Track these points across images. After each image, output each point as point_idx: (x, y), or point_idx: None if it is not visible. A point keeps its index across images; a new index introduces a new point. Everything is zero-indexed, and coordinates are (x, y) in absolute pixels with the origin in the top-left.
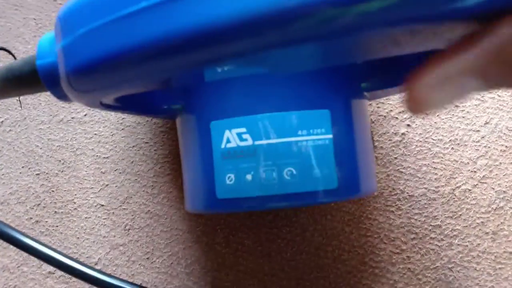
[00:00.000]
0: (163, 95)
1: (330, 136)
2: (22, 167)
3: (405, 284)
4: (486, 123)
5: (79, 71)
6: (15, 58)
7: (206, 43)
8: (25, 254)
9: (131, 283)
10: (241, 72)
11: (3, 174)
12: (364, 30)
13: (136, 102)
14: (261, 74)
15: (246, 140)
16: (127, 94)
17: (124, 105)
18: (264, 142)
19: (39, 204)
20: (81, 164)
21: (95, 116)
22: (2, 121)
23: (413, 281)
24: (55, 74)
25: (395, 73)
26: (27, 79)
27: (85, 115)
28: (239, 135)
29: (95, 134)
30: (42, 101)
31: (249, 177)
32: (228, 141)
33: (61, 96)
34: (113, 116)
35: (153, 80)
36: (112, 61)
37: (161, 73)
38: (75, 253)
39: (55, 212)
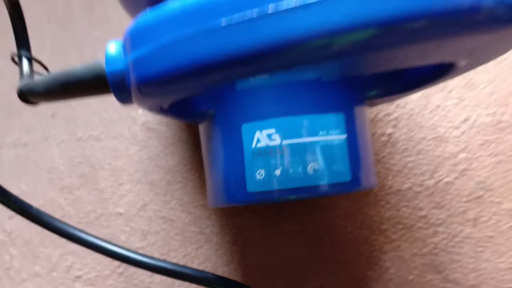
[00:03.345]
0: (202, 101)
1: (345, 136)
2: (47, 183)
3: (396, 269)
4: (466, 120)
5: (150, 81)
6: (47, 70)
7: (254, 61)
8: (54, 261)
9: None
10: (270, 82)
11: (30, 191)
12: (354, 54)
13: (180, 108)
14: (287, 83)
15: (275, 140)
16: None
17: (172, 109)
18: (291, 141)
19: (64, 215)
20: (100, 177)
21: (110, 133)
22: (26, 143)
23: (403, 267)
24: (123, 80)
25: (399, 83)
26: (92, 83)
27: (101, 132)
28: (269, 135)
29: (111, 149)
30: (61, 122)
31: (277, 172)
32: (259, 141)
33: (124, 99)
34: (126, 132)
35: (208, 88)
36: (180, 74)
37: (215, 83)
38: (98, 257)
39: (79, 222)
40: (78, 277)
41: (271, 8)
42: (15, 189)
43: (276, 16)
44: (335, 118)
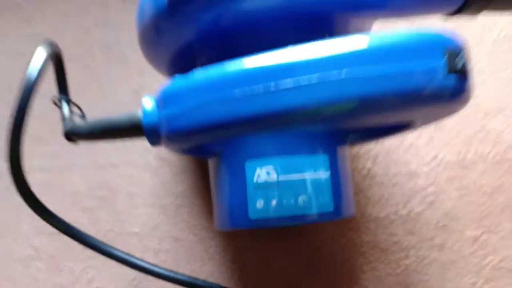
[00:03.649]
0: (214, 145)
1: (329, 173)
2: (70, 204)
3: (373, 287)
4: (434, 157)
5: (179, 134)
6: (81, 110)
7: (258, 123)
8: (77, 274)
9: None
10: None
11: (55, 211)
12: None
13: (196, 150)
14: (283, 132)
15: (272, 175)
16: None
17: (190, 151)
18: (285, 177)
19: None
20: (117, 200)
21: (126, 161)
22: (52, 168)
23: (379, 285)
24: (156, 130)
25: (372, 132)
26: (129, 130)
27: (118, 160)
28: (268, 172)
29: (127, 175)
30: (84, 151)
31: (274, 202)
32: (259, 176)
33: (154, 143)
34: (141, 160)
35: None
36: (201, 130)
37: (228, 137)
38: (116, 272)
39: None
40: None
41: (273, 86)
42: None
43: (276, 92)
44: (321, 158)
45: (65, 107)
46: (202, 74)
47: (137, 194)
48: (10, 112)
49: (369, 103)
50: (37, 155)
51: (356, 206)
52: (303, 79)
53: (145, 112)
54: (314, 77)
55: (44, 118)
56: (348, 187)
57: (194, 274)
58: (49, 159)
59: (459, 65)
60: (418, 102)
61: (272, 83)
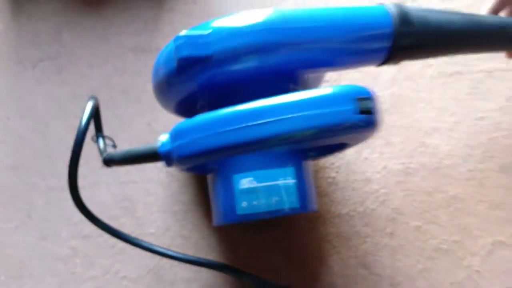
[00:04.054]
0: (211, 164)
1: (294, 180)
2: (99, 213)
3: (339, 267)
4: (385, 167)
5: (185, 158)
6: (113, 141)
7: (242, 148)
8: (106, 268)
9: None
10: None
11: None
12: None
13: (198, 168)
14: (261, 152)
15: (253, 183)
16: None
17: (193, 169)
18: (262, 184)
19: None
20: (137, 209)
21: (143, 178)
22: (83, 185)
23: (342, 266)
24: (169, 156)
25: (323, 150)
26: (150, 157)
27: (137, 177)
28: (250, 181)
29: (144, 189)
30: (109, 171)
31: (255, 202)
32: (243, 184)
33: (168, 165)
34: (155, 177)
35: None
36: (201, 155)
37: (220, 159)
38: (138, 263)
39: None
40: (124, 276)
41: (253, 122)
42: (78, 217)
43: (256, 126)
44: (289, 170)
45: (101, 142)
46: (201, 118)
47: (153, 203)
48: (66, 142)
49: (310, 132)
50: None
51: (323, 205)
52: (266, 119)
53: (162, 143)
54: (272, 118)
55: None
56: (311, 189)
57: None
58: (82, 179)
59: (367, 107)
60: (342, 131)
61: (245, 123)
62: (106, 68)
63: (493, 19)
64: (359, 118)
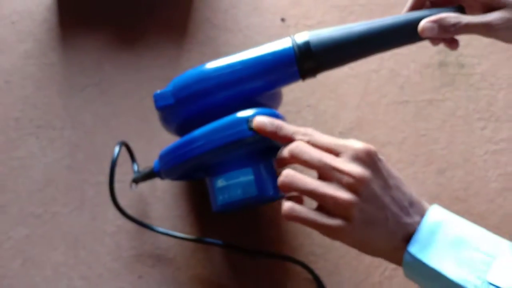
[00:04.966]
0: (200, 174)
1: (253, 177)
2: (136, 202)
3: (321, 238)
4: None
5: (164, 174)
6: (132, 154)
7: (204, 160)
8: (145, 240)
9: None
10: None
11: (114, 213)
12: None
13: (189, 177)
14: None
15: (223, 183)
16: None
17: (183, 177)
18: (230, 182)
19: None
20: (158, 199)
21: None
22: (125, 179)
23: (307, 260)
24: (159, 173)
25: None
26: (152, 175)
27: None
28: (222, 181)
29: (160, 194)
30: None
31: (226, 195)
32: (219, 184)
33: (162, 178)
34: (163, 185)
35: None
36: (173, 169)
37: (188, 168)
38: (163, 243)
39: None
40: (157, 247)
41: (192, 145)
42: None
43: (194, 148)
44: (250, 170)
45: (135, 167)
46: (169, 146)
47: (166, 198)
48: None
49: (224, 148)
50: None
51: None
52: (197, 143)
53: (155, 165)
54: (200, 142)
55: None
56: (268, 181)
57: (206, 235)
58: (123, 174)
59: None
60: (242, 144)
61: (188, 147)
62: (139, 93)
63: (392, 19)
64: (249, 133)
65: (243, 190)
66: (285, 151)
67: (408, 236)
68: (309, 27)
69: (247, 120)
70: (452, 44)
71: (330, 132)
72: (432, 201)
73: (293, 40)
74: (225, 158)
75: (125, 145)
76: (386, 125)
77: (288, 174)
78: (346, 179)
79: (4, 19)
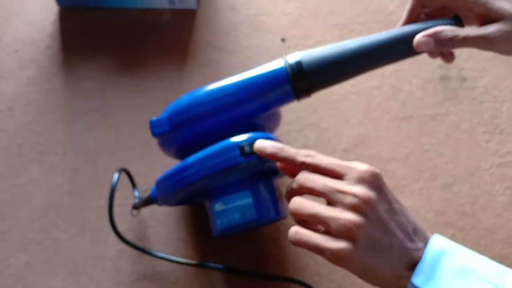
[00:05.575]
0: (199, 199)
1: (251, 199)
2: (137, 226)
3: None
4: None
5: (160, 200)
6: (132, 180)
7: (198, 186)
8: (146, 263)
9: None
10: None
11: (115, 239)
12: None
13: (188, 202)
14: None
15: (222, 207)
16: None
17: (182, 203)
18: (229, 206)
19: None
20: (155, 232)
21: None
22: (125, 203)
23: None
24: (156, 199)
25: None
26: (148, 201)
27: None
28: (220, 205)
29: (163, 221)
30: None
31: (225, 220)
32: (217, 208)
33: (159, 204)
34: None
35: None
36: (169, 196)
37: (184, 194)
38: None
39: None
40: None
41: (185, 172)
42: (121, 227)
43: (188, 175)
44: (248, 193)
45: (136, 193)
46: (163, 174)
47: (167, 223)
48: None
49: (216, 175)
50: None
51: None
52: (190, 171)
53: (152, 192)
54: (193, 169)
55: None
56: (272, 202)
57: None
58: (124, 198)
59: (247, 151)
60: (236, 170)
61: (180, 174)
62: (141, 116)
63: (386, 35)
64: (241, 159)
65: (242, 214)
66: (294, 183)
67: (412, 263)
68: (309, 47)
69: (239, 146)
70: (448, 57)
71: (334, 150)
72: (439, 216)
73: (285, 60)
74: (222, 183)
75: (125, 171)
76: (390, 141)
77: (296, 201)
78: (350, 199)
79: (7, 47)
